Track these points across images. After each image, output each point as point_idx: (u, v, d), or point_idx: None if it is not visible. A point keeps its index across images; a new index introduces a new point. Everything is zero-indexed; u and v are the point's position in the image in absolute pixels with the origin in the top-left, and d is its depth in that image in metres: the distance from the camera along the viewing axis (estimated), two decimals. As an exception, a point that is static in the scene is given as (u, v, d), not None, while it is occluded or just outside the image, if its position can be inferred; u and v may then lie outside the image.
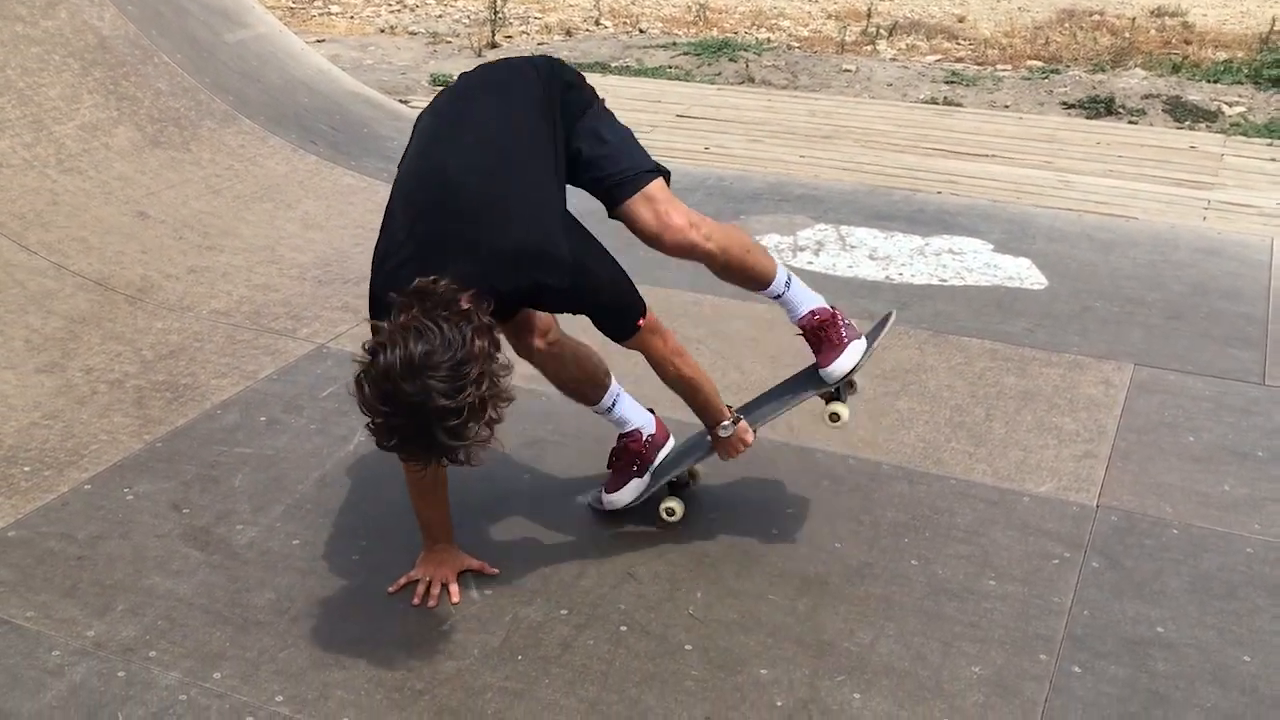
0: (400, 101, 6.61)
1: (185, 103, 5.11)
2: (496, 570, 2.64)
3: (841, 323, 2.76)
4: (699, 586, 2.62)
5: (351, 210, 4.85)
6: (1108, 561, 2.72)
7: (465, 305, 2.09)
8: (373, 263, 2.36)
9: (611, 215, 2.55)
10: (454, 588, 2.57)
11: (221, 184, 4.81)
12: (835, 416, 2.82)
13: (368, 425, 2.10)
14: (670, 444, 2.90)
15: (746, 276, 2.69)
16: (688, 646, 2.44)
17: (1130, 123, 6.50)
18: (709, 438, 2.72)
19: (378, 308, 2.23)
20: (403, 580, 2.58)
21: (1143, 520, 2.88)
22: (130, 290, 3.94)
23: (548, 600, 2.57)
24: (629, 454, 2.82)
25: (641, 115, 6.74)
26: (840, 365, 2.73)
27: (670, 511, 2.82)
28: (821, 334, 2.75)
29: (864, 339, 2.79)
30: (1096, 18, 9.61)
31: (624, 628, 2.49)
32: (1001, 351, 3.76)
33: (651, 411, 2.90)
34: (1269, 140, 6.10)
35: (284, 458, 3.09)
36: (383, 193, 5.04)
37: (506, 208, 2.26)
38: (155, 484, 2.96)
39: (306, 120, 5.58)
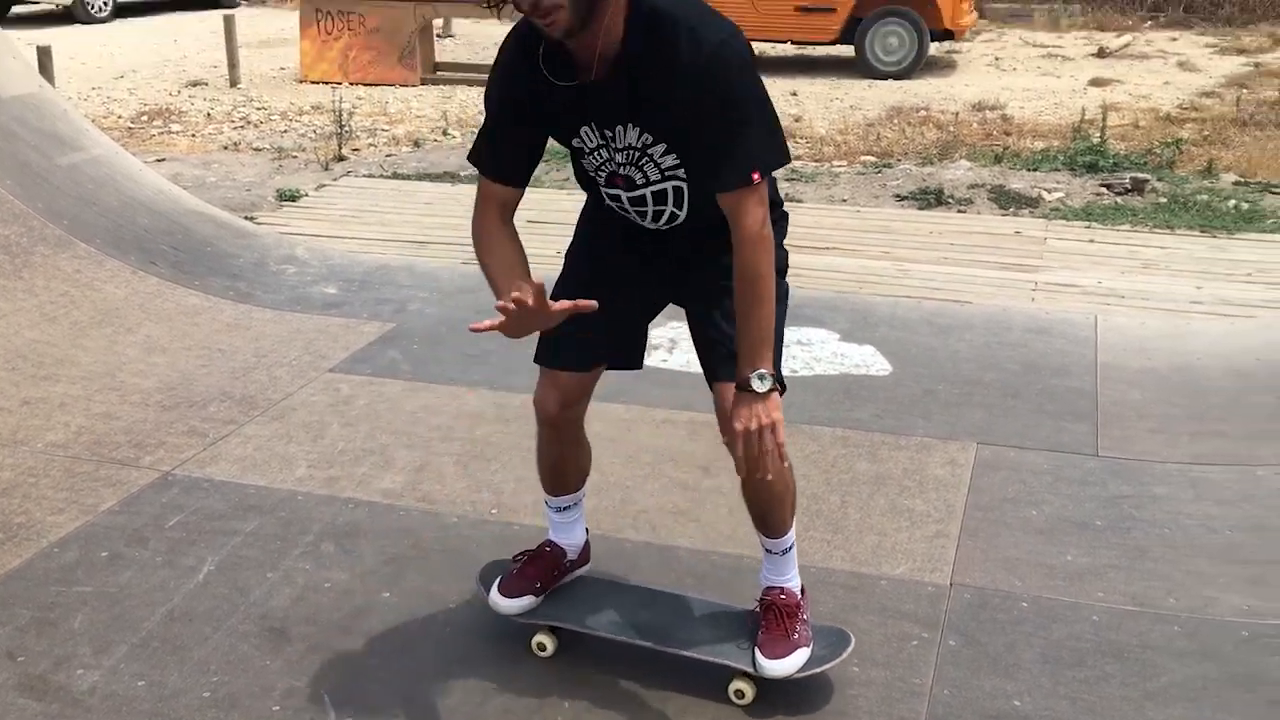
0: (246, 218, 6.52)
1: (16, 229, 4.95)
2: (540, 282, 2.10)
3: (802, 616, 2.59)
4: (566, 696, 2.59)
5: (196, 331, 4.74)
6: (964, 639, 2.79)
7: None
8: None
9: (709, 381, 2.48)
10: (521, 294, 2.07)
11: (57, 311, 4.65)
12: (740, 694, 2.55)
13: None
14: (584, 570, 2.84)
15: (769, 509, 2.55)
16: (557, 760, 2.39)
17: (959, 211, 6.84)
18: (733, 391, 2.27)
19: None
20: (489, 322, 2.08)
21: (994, 595, 2.97)
22: (-43, 427, 3.76)
23: (410, 719, 2.50)
24: (541, 560, 2.75)
25: (492, 222, 6.80)
26: (777, 668, 2.50)
27: (541, 646, 2.71)
28: (779, 619, 2.55)
29: (810, 648, 2.56)
30: (923, 113, 10.15)
31: (492, 746, 2.43)
32: (852, 438, 3.87)
33: (587, 531, 2.86)
34: (1086, 223, 6.50)
35: (128, 594, 2.96)
36: (228, 312, 5.01)
37: None
38: (-14, 632, 2.79)
39: (147, 241, 5.45)
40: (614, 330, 2.55)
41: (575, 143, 2.36)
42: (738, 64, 2.18)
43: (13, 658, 2.69)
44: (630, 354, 2.67)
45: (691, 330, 2.57)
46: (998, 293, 5.42)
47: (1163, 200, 6.89)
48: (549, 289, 2.22)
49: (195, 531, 3.25)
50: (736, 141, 2.18)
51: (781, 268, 2.41)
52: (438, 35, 13.63)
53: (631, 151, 2.30)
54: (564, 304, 2.12)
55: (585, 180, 2.48)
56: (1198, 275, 5.67)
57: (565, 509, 2.77)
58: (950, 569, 3.08)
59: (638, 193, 2.36)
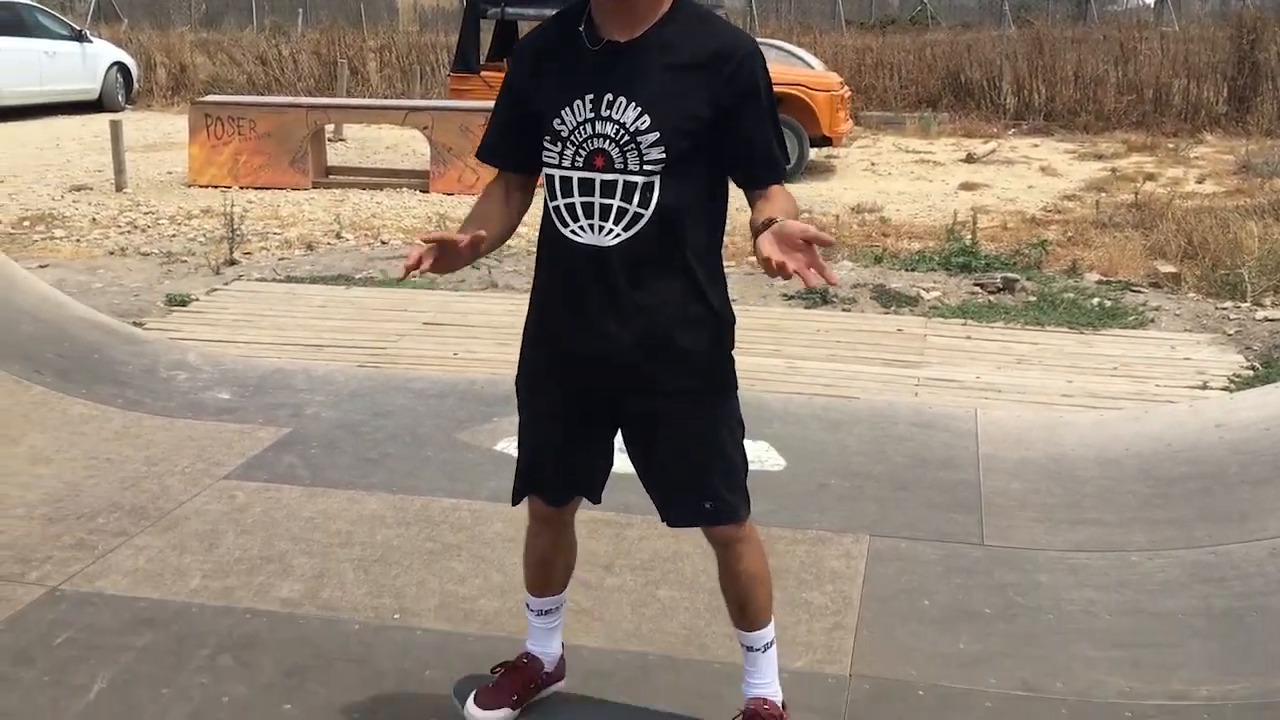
0: (134, 324, 6.42)
1: (-108, 338, 4.81)
2: (483, 233, 2.36)
3: None
4: (476, 803, 2.57)
5: (83, 440, 4.63)
6: (864, 728, 2.86)
7: None
8: None
9: None
10: (428, 256, 2.30)
11: (-65, 422, 4.51)
12: None
13: None
14: (560, 686, 2.87)
15: (748, 600, 2.62)
16: None
17: (844, 310, 7.10)
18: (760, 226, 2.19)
19: None
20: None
21: (893, 686, 3.05)
22: None
23: (317, 838, 2.45)
24: (519, 673, 2.78)
25: (389, 324, 6.81)
26: None
27: None
28: None
29: None
30: (805, 215, 10.52)
31: None
32: (750, 534, 3.95)
33: (563, 646, 2.89)
34: (963, 320, 6.80)
35: (15, 716, 2.85)
36: (117, 420, 4.92)
37: None
38: None
39: (31, 350, 5.33)
40: (579, 472, 2.67)
41: (557, 123, 2.35)
42: (764, 67, 2.37)
43: (-110, 788, 2.57)
44: (590, 486, 2.72)
45: (636, 465, 2.62)
46: (883, 388, 5.62)
47: (1032, 299, 7.24)
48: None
49: (85, 648, 3.16)
50: (771, 138, 2.36)
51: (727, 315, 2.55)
52: (329, 140, 13.68)
53: (621, 133, 2.31)
54: (466, 237, 2.33)
55: (547, 194, 2.44)
56: (1068, 369, 5.96)
57: (547, 612, 2.80)
58: (849, 660, 3.17)
59: (613, 176, 2.32)
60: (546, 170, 2.42)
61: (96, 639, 3.21)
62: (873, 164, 14.15)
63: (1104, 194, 11.47)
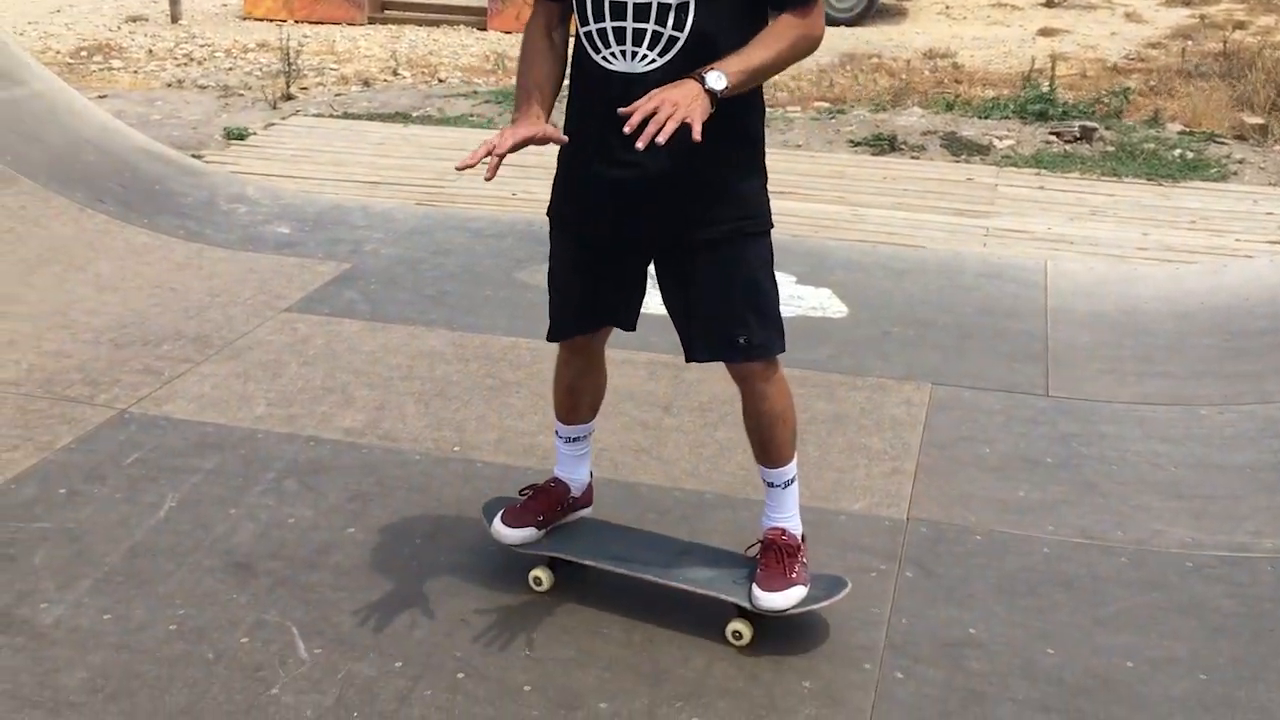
0: (194, 156, 6.40)
1: (-43, 164, 4.83)
2: (565, 138, 2.34)
3: (801, 559, 2.61)
4: (534, 627, 2.63)
5: (147, 270, 4.67)
6: (921, 571, 2.86)
7: None
8: None
9: None
10: (506, 145, 2.25)
11: (2, 248, 4.55)
12: (738, 635, 2.57)
13: None
14: (586, 512, 2.86)
15: (770, 439, 2.60)
16: (526, 687, 2.43)
17: (912, 158, 6.89)
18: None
19: None
20: (478, 150, 2.27)
21: (949, 529, 3.04)
22: (-95, 364, 3.68)
23: (381, 654, 2.52)
24: (546, 495, 2.78)
25: (447, 163, 6.73)
26: (774, 601, 2.53)
27: (537, 580, 2.74)
28: (779, 558, 2.58)
29: (807, 588, 2.58)
30: (875, 60, 10.17)
31: (461, 674, 2.46)
32: (810, 378, 3.92)
33: (591, 474, 2.87)
34: (1036, 170, 6.58)
35: (88, 530, 2.94)
36: (179, 251, 4.94)
37: None
38: (-55, 568, 2.76)
39: (94, 179, 5.34)
40: (609, 302, 2.61)
41: None
42: None
43: (-27, 593, 2.67)
44: (627, 317, 2.65)
45: (666, 299, 2.56)
46: (951, 238, 5.49)
47: (1110, 149, 6.98)
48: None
49: (154, 469, 3.23)
50: None
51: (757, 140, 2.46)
52: (385, -27, 13.35)
53: None
54: (539, 132, 2.30)
55: (582, 13, 2.34)
56: (1144, 222, 5.77)
57: (575, 440, 2.80)
58: (907, 504, 3.16)
59: None
60: None
61: (165, 460, 3.28)
62: (946, 7, 13.56)
63: (1190, 42, 10.94)
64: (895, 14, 12.99)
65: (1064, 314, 4.52)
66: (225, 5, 12.23)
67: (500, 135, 2.29)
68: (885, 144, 7.05)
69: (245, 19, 11.54)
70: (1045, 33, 11.78)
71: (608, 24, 2.29)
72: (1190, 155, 6.84)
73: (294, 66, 8.68)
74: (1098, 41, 11.34)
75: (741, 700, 2.41)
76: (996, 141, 7.13)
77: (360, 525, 3.00)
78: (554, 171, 2.59)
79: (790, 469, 2.65)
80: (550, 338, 2.68)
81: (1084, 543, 3.00)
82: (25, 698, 2.35)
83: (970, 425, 3.62)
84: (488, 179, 2.30)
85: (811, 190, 6.21)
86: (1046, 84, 8.18)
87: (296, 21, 11.34)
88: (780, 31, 2.28)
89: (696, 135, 2.08)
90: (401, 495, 3.14)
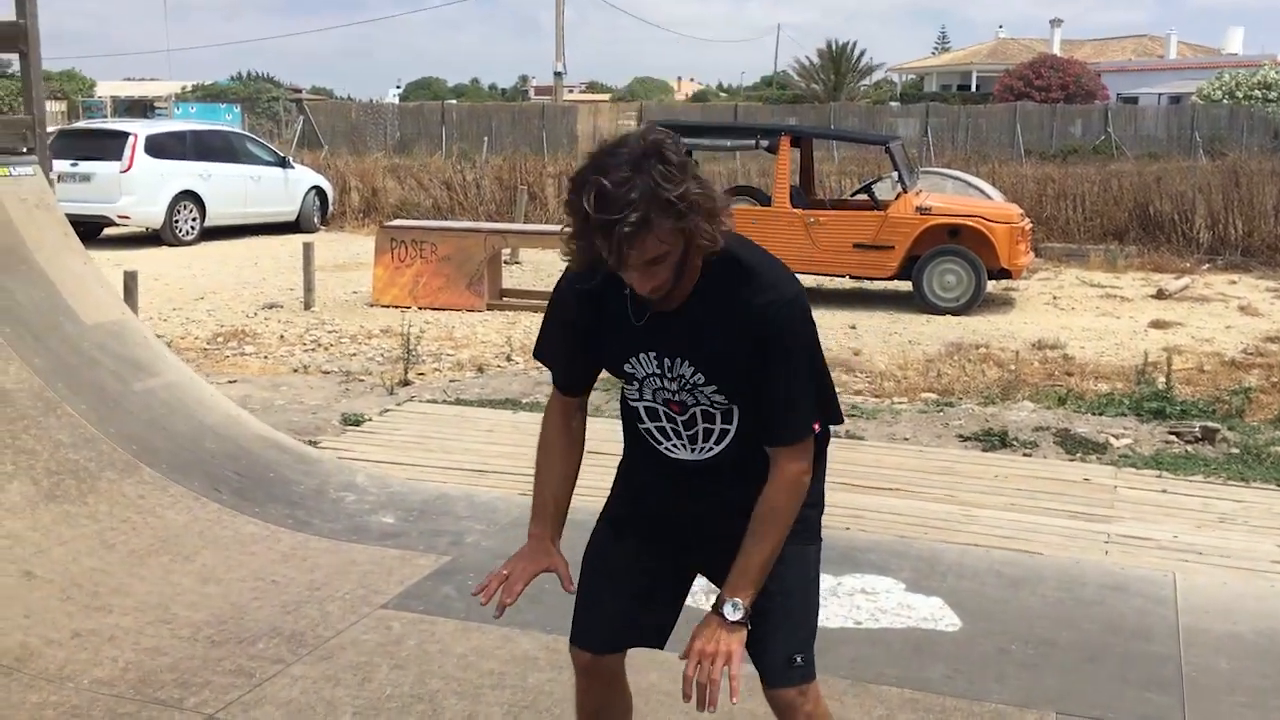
0: (309, 442, 6.59)
1: (86, 454, 5.03)
2: (573, 588, 2.50)
3: None
4: None
5: (252, 561, 4.71)
6: None
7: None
8: None
9: None
10: (517, 588, 2.43)
11: (116, 538, 4.66)
12: None
13: (575, 176, 2.07)
14: None
15: None
16: None
17: (1025, 455, 6.73)
18: (710, 612, 2.35)
19: None
20: (487, 580, 2.48)
21: None
22: (8, 660, 3.70)
23: None
24: None
25: (552, 453, 6.81)
26: None
27: None
28: None
29: None
30: (983, 350, 10.18)
31: None
32: (922, 701, 3.68)
33: None
34: (1158, 472, 6.34)
35: None
36: (285, 541, 4.99)
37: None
38: None
39: (212, 467, 5.51)
40: (643, 614, 2.57)
41: (627, 368, 2.39)
42: (802, 318, 2.27)
43: None
44: (657, 637, 2.63)
45: None
46: (1069, 544, 5.25)
47: (1235, 450, 6.73)
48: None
49: (234, 783, 3.12)
50: (796, 397, 2.28)
51: (816, 502, 2.49)
52: (505, 262, 14.10)
53: (686, 383, 2.34)
54: (557, 566, 2.49)
55: (626, 411, 2.49)
56: (1276, 532, 5.46)
57: None
58: None
59: (690, 414, 2.38)
60: (628, 398, 2.45)
61: (245, 775, 3.17)
62: (1055, 298, 13.67)
63: (1311, 335, 10.75)
64: (1001, 303, 13.13)
65: (1198, 635, 4.21)
66: (355, 293, 12.96)
67: (510, 570, 2.46)
68: (996, 439, 6.93)
69: (373, 305, 12.19)
70: (1157, 325, 11.71)
71: (665, 424, 2.42)
72: (1322, 457, 6.54)
73: (413, 352, 9.04)
74: (1213, 334, 11.22)
75: None
76: (1113, 440, 6.95)
77: None
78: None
79: None
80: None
81: None
82: None
83: (1101, 766, 3.31)
84: (496, 616, 2.48)
85: (919, 488, 6.07)
86: (1163, 379, 8.04)
87: (420, 308, 11.93)
88: (775, 511, 2.31)
89: (736, 689, 2.20)
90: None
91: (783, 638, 2.43)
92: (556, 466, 2.50)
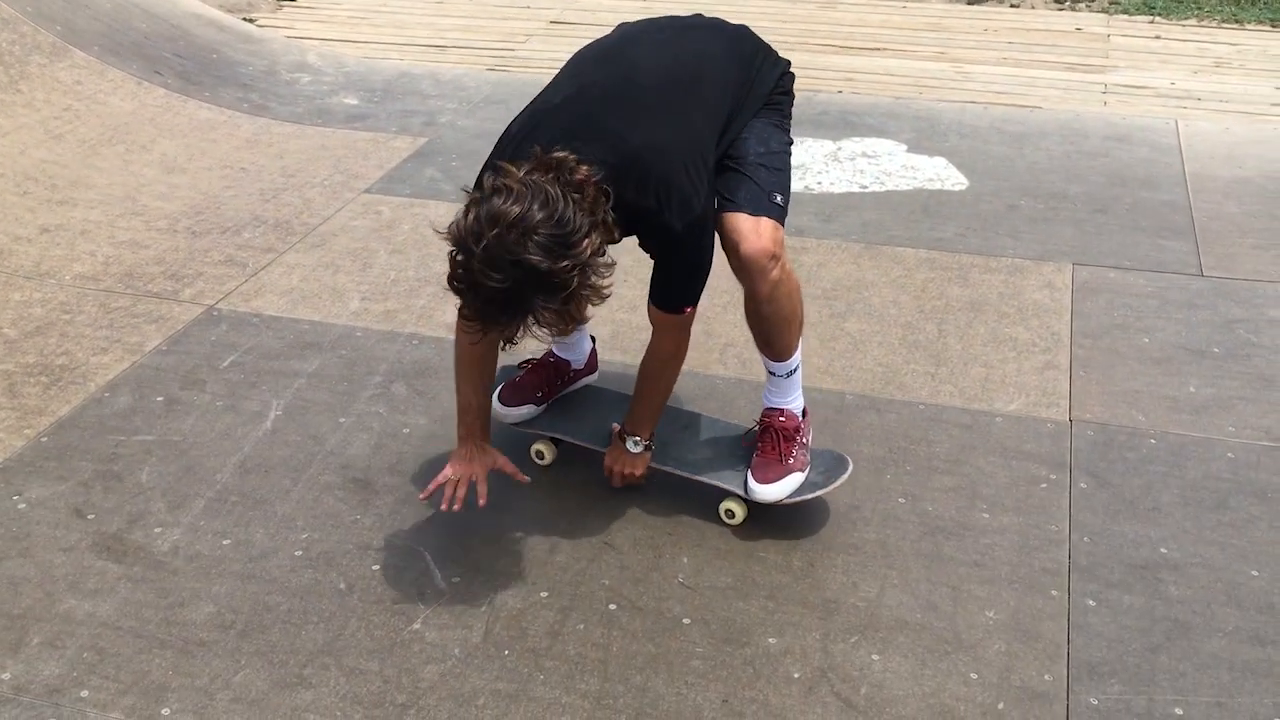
0: (246, 20, 6.03)
1: (6, 36, 4.51)
2: (528, 479, 2.46)
3: (800, 440, 2.50)
4: (684, 550, 2.42)
5: (214, 149, 4.39)
6: (1095, 481, 2.62)
7: (592, 195, 2.02)
8: (516, 121, 2.29)
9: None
10: (482, 487, 2.39)
11: (62, 127, 4.28)
12: (730, 514, 2.49)
13: (450, 253, 2.02)
14: (591, 379, 2.80)
15: (773, 335, 2.43)
16: (686, 620, 2.24)
17: (1012, 6, 6.39)
18: (616, 437, 2.54)
19: (505, 148, 2.22)
20: (432, 485, 2.38)
21: (1119, 432, 2.79)
22: (-23, 259, 3.46)
23: (524, 583, 2.34)
24: (542, 370, 2.73)
25: (514, 23, 6.34)
26: (768, 492, 2.43)
27: (539, 454, 2.67)
28: (775, 444, 2.47)
29: (805, 473, 2.48)
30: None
31: (613, 605, 2.27)
32: (939, 260, 3.63)
33: (593, 340, 2.81)
34: (1150, 17, 6.08)
35: (193, 443, 2.74)
36: (245, 126, 4.64)
37: (673, 123, 2.19)
38: (49, 487, 2.58)
39: (148, 48, 5.02)
40: None
41: None
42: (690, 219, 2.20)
43: (82, 515, 2.50)
44: None
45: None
46: (1067, 96, 5.08)
47: (1227, -9, 6.45)
48: None
49: (253, 373, 3.02)
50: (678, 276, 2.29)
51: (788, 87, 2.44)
52: None
53: None
54: (504, 464, 2.43)
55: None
56: (1275, 74, 5.32)
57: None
58: (1067, 404, 2.90)
59: None
60: None
61: (263, 363, 3.06)
62: None
63: None
64: None
65: (1205, 181, 4.16)
66: None
67: (459, 474, 2.37)
68: (980, -9, 6.54)
69: None
70: None
71: None
72: (1314, -2, 6.30)
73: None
74: None
75: (922, 634, 2.20)
76: (1102, -14, 6.60)
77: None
78: None
79: (795, 359, 2.51)
80: None
81: (1271, 446, 2.74)
82: (152, 636, 2.19)
83: (1123, 311, 3.33)
84: (456, 509, 2.36)
85: (908, 45, 5.77)
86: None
87: None
88: (661, 368, 2.41)
89: (638, 479, 2.51)
90: (520, 400, 2.92)
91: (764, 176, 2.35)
92: (475, 378, 2.40)
